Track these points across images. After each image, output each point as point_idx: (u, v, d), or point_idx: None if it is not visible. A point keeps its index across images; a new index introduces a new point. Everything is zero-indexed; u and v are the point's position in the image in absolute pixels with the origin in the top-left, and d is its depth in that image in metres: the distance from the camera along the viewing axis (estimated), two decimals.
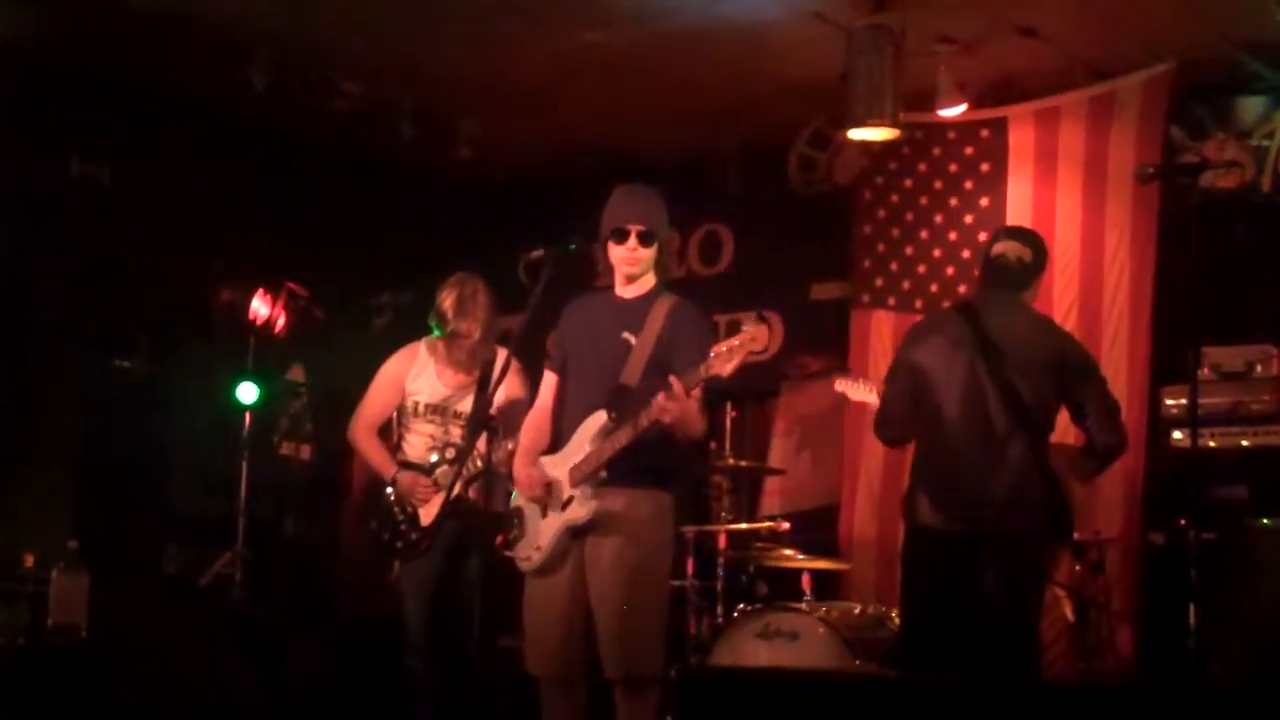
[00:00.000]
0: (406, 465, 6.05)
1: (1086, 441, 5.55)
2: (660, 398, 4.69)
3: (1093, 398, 5.47)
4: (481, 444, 5.60)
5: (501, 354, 5.92)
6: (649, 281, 5.14)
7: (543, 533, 5.01)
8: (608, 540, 4.90)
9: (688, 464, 5.11)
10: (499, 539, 5.17)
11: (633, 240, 5.06)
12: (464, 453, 5.80)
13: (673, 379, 4.69)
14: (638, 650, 4.87)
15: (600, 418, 4.93)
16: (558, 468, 5.02)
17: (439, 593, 5.94)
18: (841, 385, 6.62)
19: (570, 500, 4.95)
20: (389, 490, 6.04)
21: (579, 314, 5.24)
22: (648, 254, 5.08)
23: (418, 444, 6.10)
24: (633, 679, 4.89)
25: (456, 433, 6.04)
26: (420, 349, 6.18)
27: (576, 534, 4.95)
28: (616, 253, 5.09)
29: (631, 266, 5.09)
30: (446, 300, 6.07)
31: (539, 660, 5.02)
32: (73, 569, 6.35)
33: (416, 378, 6.13)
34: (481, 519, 5.51)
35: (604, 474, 4.90)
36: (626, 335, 5.02)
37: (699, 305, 5.22)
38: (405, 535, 5.98)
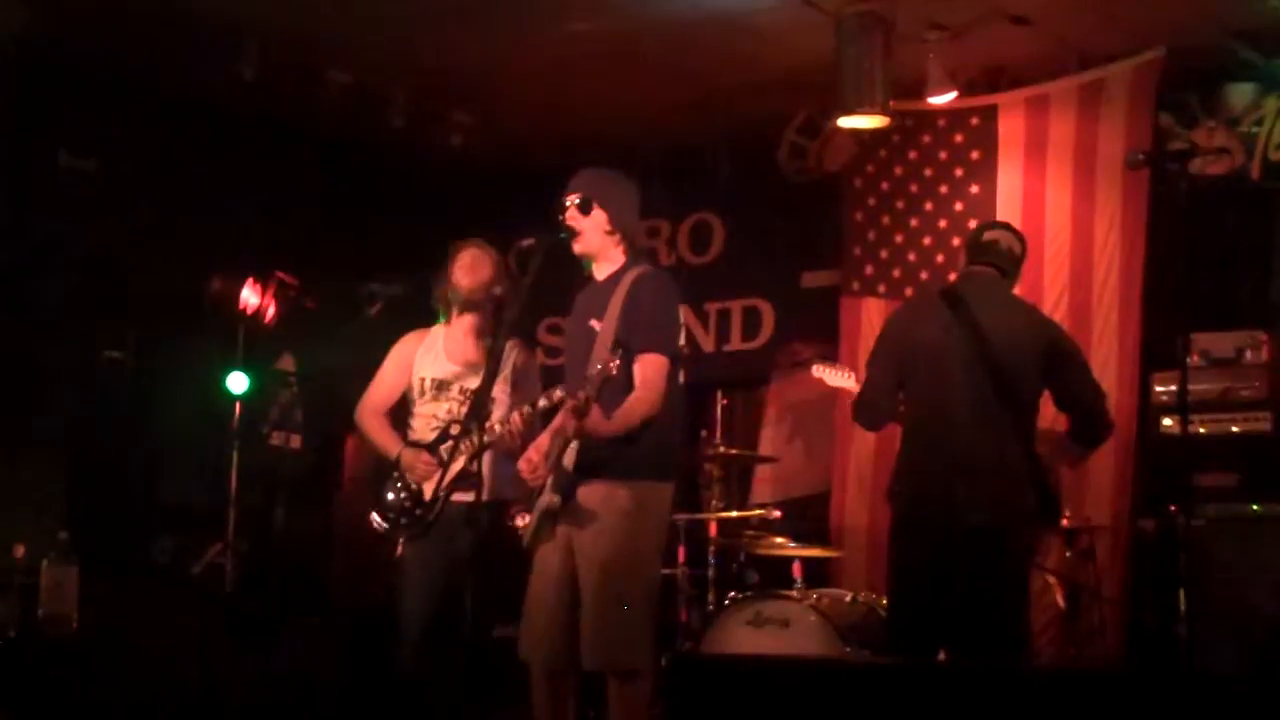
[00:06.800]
0: (410, 444, 6.02)
1: (1070, 428, 5.56)
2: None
3: (1077, 384, 5.48)
4: (495, 415, 5.58)
5: (511, 345, 5.90)
6: (617, 259, 5.13)
7: (533, 512, 5.05)
8: (586, 533, 4.92)
9: (661, 453, 5.00)
10: (514, 510, 5.20)
11: (571, 211, 5.07)
12: (467, 427, 5.78)
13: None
14: (613, 644, 4.87)
15: None
16: None
17: (440, 582, 5.90)
18: (819, 371, 6.61)
19: (543, 487, 4.99)
20: (393, 473, 6.00)
21: (575, 303, 5.25)
22: (589, 223, 5.08)
23: (422, 426, 6.04)
24: (610, 672, 4.90)
25: (461, 411, 5.98)
26: (431, 330, 6.14)
27: (546, 520, 4.96)
28: None
29: (575, 241, 5.09)
30: (457, 264, 5.99)
31: (527, 645, 5.04)
32: (63, 560, 6.32)
33: (424, 355, 6.08)
34: (483, 503, 5.48)
35: (568, 466, 4.94)
36: (593, 322, 5.02)
37: (670, 279, 5.17)
38: (410, 512, 5.93)
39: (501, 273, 6.03)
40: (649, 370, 4.92)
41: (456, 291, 6.00)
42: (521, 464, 5.13)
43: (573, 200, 5.09)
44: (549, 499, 4.93)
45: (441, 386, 6.02)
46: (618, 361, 4.70)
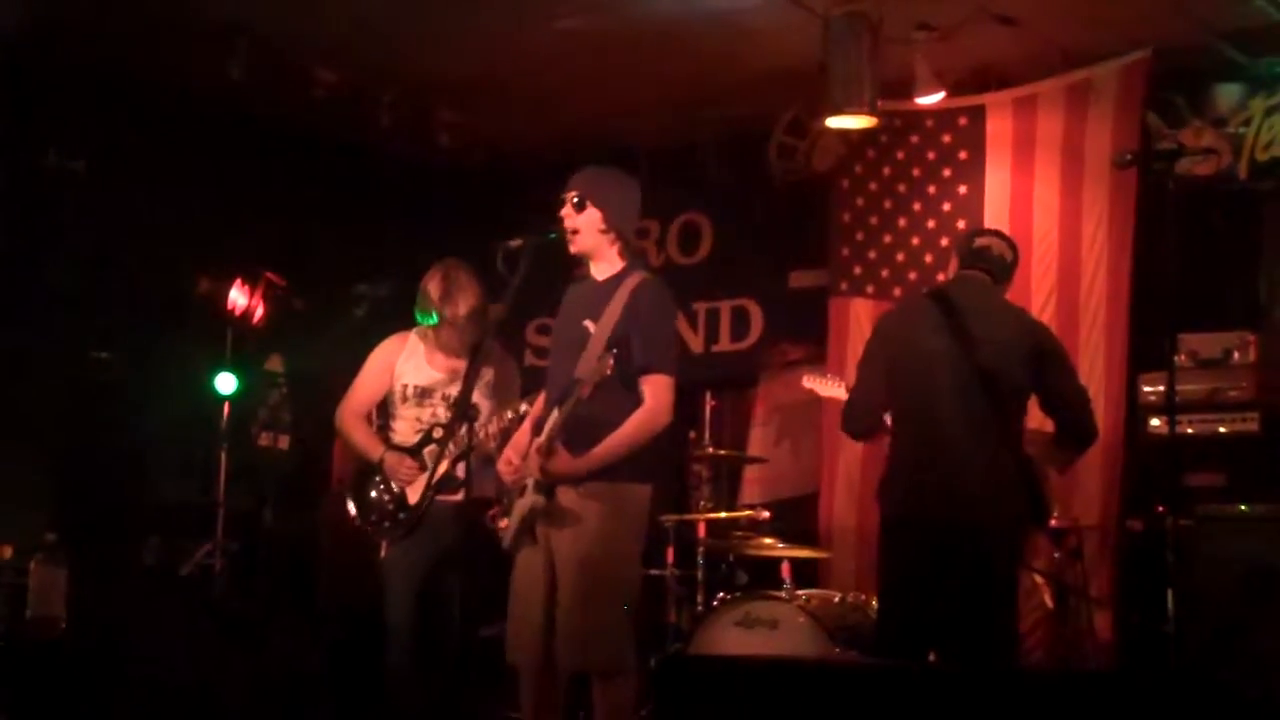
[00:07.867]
0: (393, 447, 6.03)
1: (1057, 431, 5.56)
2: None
3: (1064, 387, 5.48)
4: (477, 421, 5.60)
5: (493, 351, 5.90)
6: (614, 261, 5.13)
7: (514, 514, 5.05)
8: (565, 535, 4.93)
9: (641, 454, 4.99)
10: (492, 511, 5.21)
11: (567, 208, 5.08)
12: (449, 431, 5.79)
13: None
14: (592, 644, 4.88)
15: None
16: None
17: (425, 582, 5.91)
18: (810, 382, 6.62)
19: (525, 488, 4.99)
20: (376, 476, 6.01)
21: (564, 302, 5.25)
22: (584, 221, 5.08)
23: (405, 429, 6.06)
24: (591, 672, 4.91)
25: (444, 416, 6.00)
26: (412, 335, 6.16)
27: (528, 522, 4.97)
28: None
29: (571, 240, 5.09)
30: (431, 286, 6.04)
31: (513, 648, 5.05)
32: (51, 561, 6.32)
33: (406, 361, 6.10)
34: (468, 502, 5.49)
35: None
36: (587, 323, 5.01)
37: (670, 290, 5.17)
38: (393, 515, 5.95)
39: (479, 294, 6.03)
40: (660, 391, 4.95)
41: (430, 308, 6.01)
42: (500, 465, 5.14)
43: (570, 197, 5.09)
44: (531, 500, 4.92)
45: (424, 393, 6.04)
46: (611, 362, 4.70)
